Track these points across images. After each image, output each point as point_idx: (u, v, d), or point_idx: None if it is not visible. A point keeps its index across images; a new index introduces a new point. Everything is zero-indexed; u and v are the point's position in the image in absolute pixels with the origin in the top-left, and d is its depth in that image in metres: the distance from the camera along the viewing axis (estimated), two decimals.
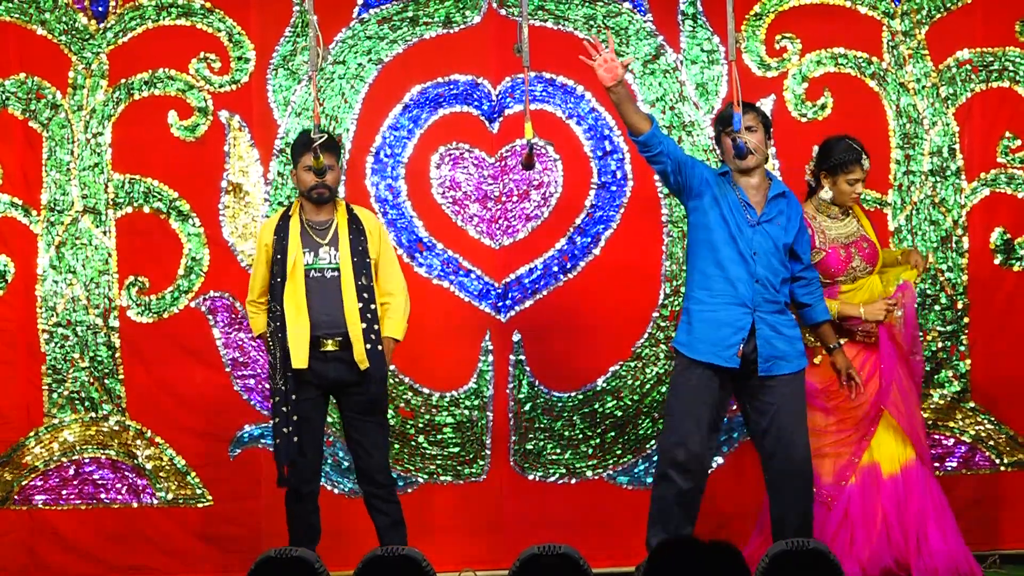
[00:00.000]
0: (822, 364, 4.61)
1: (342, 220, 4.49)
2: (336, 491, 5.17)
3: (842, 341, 4.59)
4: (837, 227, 4.67)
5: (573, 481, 5.27)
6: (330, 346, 4.43)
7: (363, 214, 4.58)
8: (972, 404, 5.29)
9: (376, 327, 4.44)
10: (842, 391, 4.58)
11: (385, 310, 4.52)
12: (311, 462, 4.49)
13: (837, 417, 4.60)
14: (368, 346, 4.41)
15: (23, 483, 5.14)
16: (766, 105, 5.25)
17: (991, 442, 5.29)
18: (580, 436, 5.27)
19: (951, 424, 5.26)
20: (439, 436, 5.25)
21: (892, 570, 4.55)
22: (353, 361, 4.42)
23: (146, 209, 5.20)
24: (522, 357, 5.24)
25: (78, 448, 5.15)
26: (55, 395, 5.15)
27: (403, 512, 4.59)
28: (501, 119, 5.25)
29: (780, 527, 4.35)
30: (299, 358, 4.37)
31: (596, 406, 5.27)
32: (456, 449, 5.25)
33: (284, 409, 4.37)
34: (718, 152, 4.52)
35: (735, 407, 5.21)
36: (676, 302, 5.25)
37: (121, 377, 5.16)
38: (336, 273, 4.44)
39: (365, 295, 4.43)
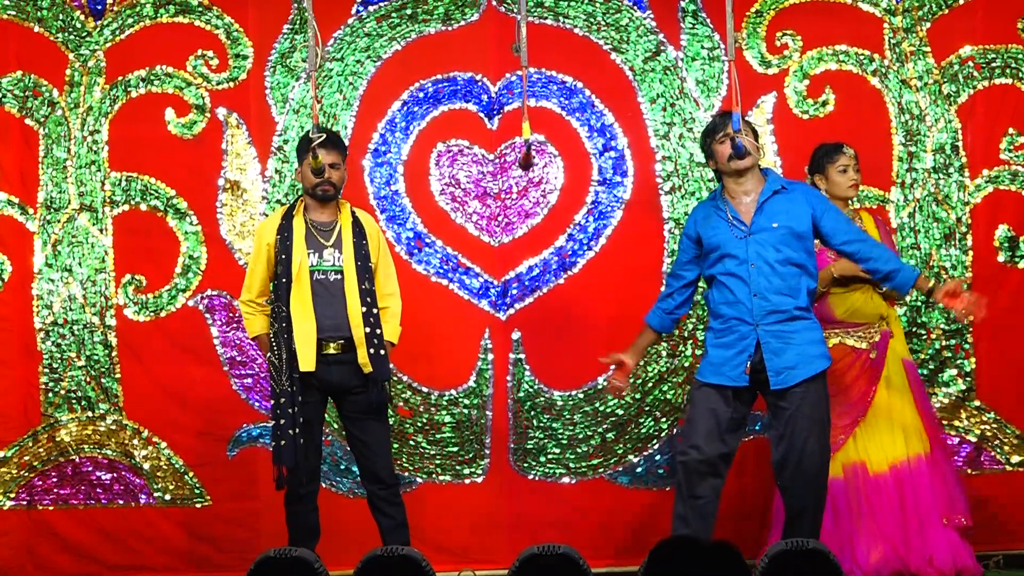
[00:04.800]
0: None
1: (346, 223, 4.47)
2: (336, 491, 5.15)
3: (835, 340, 4.64)
4: None
5: (573, 481, 5.24)
6: (332, 349, 4.41)
7: (364, 217, 4.57)
8: (977, 403, 5.27)
9: (379, 331, 4.42)
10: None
11: (384, 314, 4.50)
12: (310, 464, 4.46)
13: None
14: (371, 350, 4.39)
15: (21, 483, 5.12)
16: (767, 102, 5.23)
17: (996, 441, 5.26)
18: (580, 435, 5.24)
19: (956, 423, 5.23)
20: (438, 435, 5.23)
21: (896, 567, 4.55)
22: (356, 364, 4.40)
23: (143, 207, 5.18)
24: (522, 355, 5.22)
25: (75, 447, 5.13)
26: (52, 394, 5.14)
27: (406, 514, 4.57)
28: (500, 115, 5.23)
29: (791, 530, 4.34)
30: (307, 361, 4.35)
31: (596, 405, 5.24)
32: (455, 448, 5.23)
33: (291, 411, 4.34)
34: (711, 163, 4.43)
35: None
36: None
37: (118, 376, 5.14)
38: (339, 276, 4.42)
39: (368, 299, 4.42)
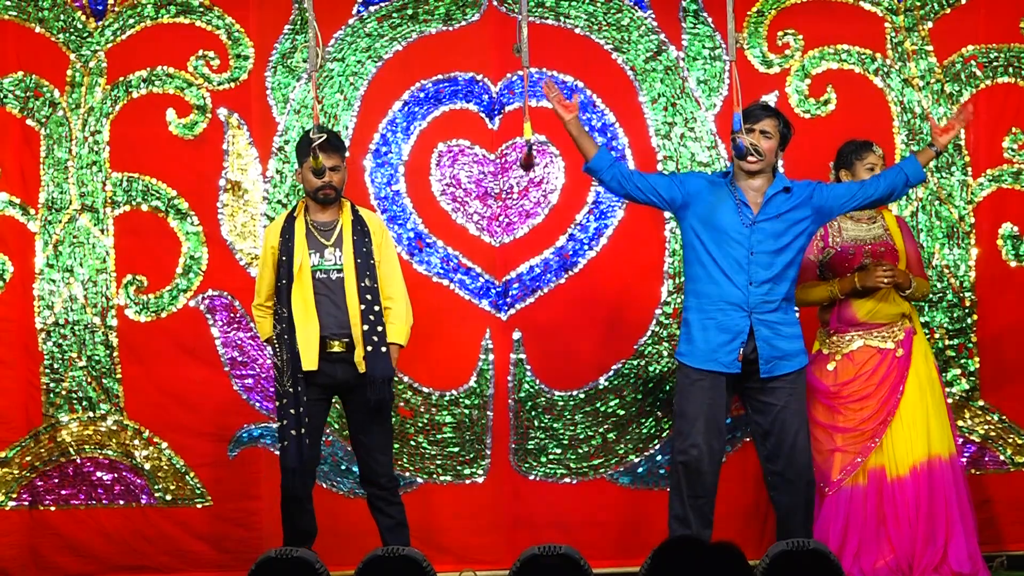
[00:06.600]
0: (836, 367, 4.64)
1: (346, 221, 4.48)
2: (336, 491, 5.14)
3: (860, 343, 4.62)
4: (856, 228, 4.71)
5: (574, 481, 5.23)
6: (337, 347, 4.43)
7: (367, 215, 4.57)
8: (981, 403, 5.25)
9: (380, 329, 4.42)
10: (851, 395, 4.60)
11: (387, 315, 4.49)
12: (308, 464, 4.46)
13: (845, 416, 4.60)
14: (369, 348, 4.39)
15: (23, 483, 5.12)
16: (769, 102, 5.21)
17: (1000, 442, 5.24)
18: (581, 435, 5.23)
19: (960, 423, 5.21)
20: (439, 436, 5.22)
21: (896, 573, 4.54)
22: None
23: (144, 207, 5.18)
24: (522, 356, 5.21)
25: (76, 448, 5.13)
26: (53, 395, 5.14)
27: (405, 513, 4.57)
28: (501, 115, 5.23)
29: (785, 528, 4.34)
30: (309, 360, 4.36)
31: (598, 405, 5.23)
32: (456, 449, 5.22)
33: (292, 412, 4.35)
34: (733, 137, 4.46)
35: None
36: (678, 299, 5.21)
37: (119, 376, 5.14)
38: (341, 275, 4.43)
39: (368, 297, 4.42)
